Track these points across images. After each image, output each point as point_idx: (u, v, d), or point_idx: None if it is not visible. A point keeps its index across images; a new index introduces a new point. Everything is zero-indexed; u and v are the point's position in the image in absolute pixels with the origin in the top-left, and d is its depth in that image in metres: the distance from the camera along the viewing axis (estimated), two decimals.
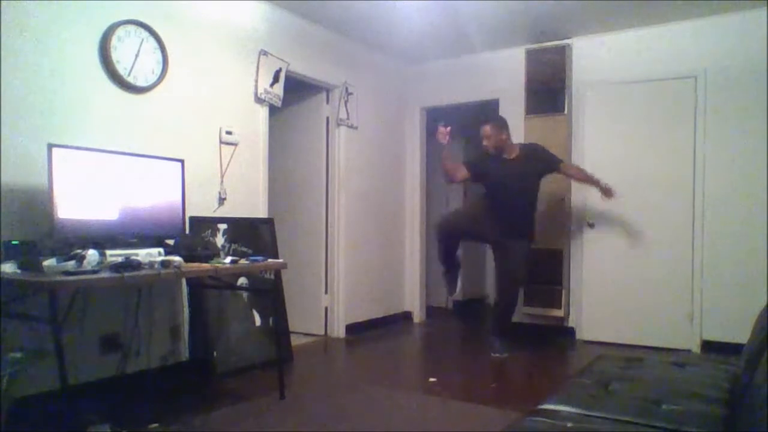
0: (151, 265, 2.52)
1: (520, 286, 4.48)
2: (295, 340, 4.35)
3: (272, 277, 3.90)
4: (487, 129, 4.14)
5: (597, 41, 4.78)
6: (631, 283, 4.61)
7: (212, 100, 3.73)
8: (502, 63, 5.17)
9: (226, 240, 3.67)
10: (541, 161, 4.18)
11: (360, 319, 5.08)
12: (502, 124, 4.18)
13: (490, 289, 6.82)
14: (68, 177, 2.59)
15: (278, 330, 3.66)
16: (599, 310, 4.73)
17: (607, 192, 4.13)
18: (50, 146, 2.54)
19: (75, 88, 2.95)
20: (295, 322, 4.56)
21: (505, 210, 4.14)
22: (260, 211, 4.12)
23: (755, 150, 4.17)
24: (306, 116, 4.94)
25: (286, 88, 4.29)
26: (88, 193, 2.68)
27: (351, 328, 4.96)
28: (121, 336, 3.12)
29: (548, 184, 4.43)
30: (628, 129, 4.64)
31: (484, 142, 4.16)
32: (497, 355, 4.22)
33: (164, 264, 2.56)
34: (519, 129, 4.95)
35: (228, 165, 3.84)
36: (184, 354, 3.55)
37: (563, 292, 4.70)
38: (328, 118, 4.88)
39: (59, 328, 2.18)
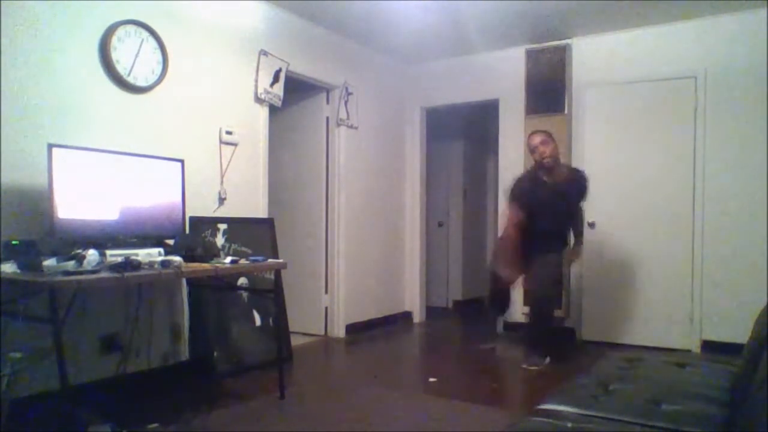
0: (151, 265, 2.52)
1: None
2: (295, 340, 4.35)
3: (272, 277, 3.90)
4: (540, 137, 3.90)
5: (597, 41, 4.78)
6: (631, 283, 4.62)
7: (212, 100, 3.73)
8: (502, 63, 5.17)
9: (226, 240, 3.67)
10: (580, 192, 4.03)
11: (360, 319, 5.08)
12: (551, 136, 3.97)
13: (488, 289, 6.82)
14: (68, 177, 2.59)
15: (278, 330, 3.66)
16: (599, 310, 4.73)
17: (573, 254, 4.23)
18: (50, 146, 2.54)
19: (75, 88, 2.95)
20: (295, 322, 4.56)
21: (544, 229, 3.93)
22: (260, 211, 4.12)
23: (755, 150, 4.17)
24: (306, 116, 4.94)
25: (286, 88, 4.29)
26: (88, 193, 2.68)
27: (351, 328, 4.96)
28: (121, 336, 3.12)
29: None
30: (628, 129, 4.64)
31: (543, 153, 3.86)
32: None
33: (164, 264, 2.56)
34: (519, 129, 4.97)
35: (228, 165, 3.84)
36: (184, 354, 3.56)
37: (563, 292, 4.70)
38: (328, 118, 4.88)
39: (59, 328, 2.18)
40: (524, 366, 3.96)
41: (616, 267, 4.67)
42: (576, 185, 4.01)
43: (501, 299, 4.64)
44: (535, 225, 3.91)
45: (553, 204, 3.91)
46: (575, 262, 4.52)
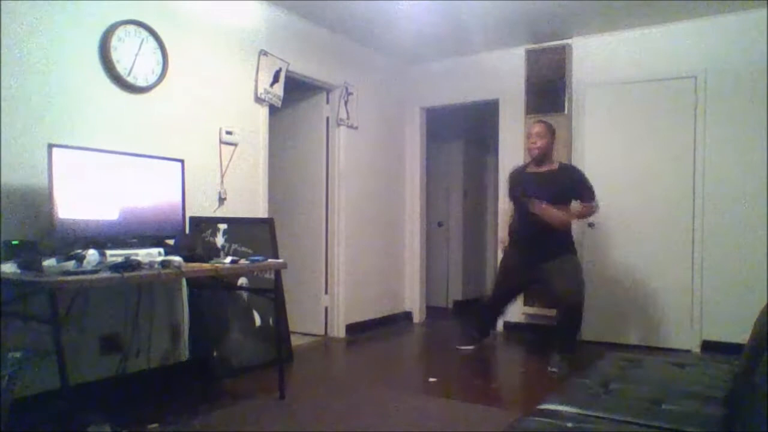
0: (151, 265, 2.52)
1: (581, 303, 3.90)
2: (295, 340, 4.35)
3: (272, 277, 3.90)
4: (538, 127, 3.88)
5: (597, 41, 4.78)
6: (631, 283, 4.62)
7: (212, 100, 3.73)
8: (502, 63, 5.17)
9: (226, 240, 3.67)
10: (577, 186, 3.85)
11: (360, 319, 5.08)
12: (553, 128, 3.96)
13: (490, 289, 6.82)
14: (68, 177, 2.59)
15: (278, 330, 3.66)
16: (599, 310, 4.72)
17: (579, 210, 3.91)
18: (50, 146, 2.54)
19: (75, 88, 2.95)
20: (295, 322, 4.56)
21: (538, 227, 3.79)
22: (260, 211, 4.12)
23: (755, 150, 4.17)
24: (306, 116, 4.94)
25: (286, 88, 4.29)
26: (88, 193, 2.68)
27: (351, 328, 4.96)
28: (121, 336, 3.12)
29: None
30: (628, 129, 4.64)
31: (534, 143, 3.88)
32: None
33: (164, 264, 2.56)
34: (519, 129, 4.97)
35: (228, 165, 3.84)
36: (184, 354, 3.55)
37: None
38: (328, 118, 4.88)
39: (59, 328, 2.18)
40: (552, 369, 3.77)
41: (616, 267, 4.67)
42: (567, 175, 3.90)
43: (490, 318, 4.52)
44: (525, 216, 3.88)
45: (539, 194, 3.78)
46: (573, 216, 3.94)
